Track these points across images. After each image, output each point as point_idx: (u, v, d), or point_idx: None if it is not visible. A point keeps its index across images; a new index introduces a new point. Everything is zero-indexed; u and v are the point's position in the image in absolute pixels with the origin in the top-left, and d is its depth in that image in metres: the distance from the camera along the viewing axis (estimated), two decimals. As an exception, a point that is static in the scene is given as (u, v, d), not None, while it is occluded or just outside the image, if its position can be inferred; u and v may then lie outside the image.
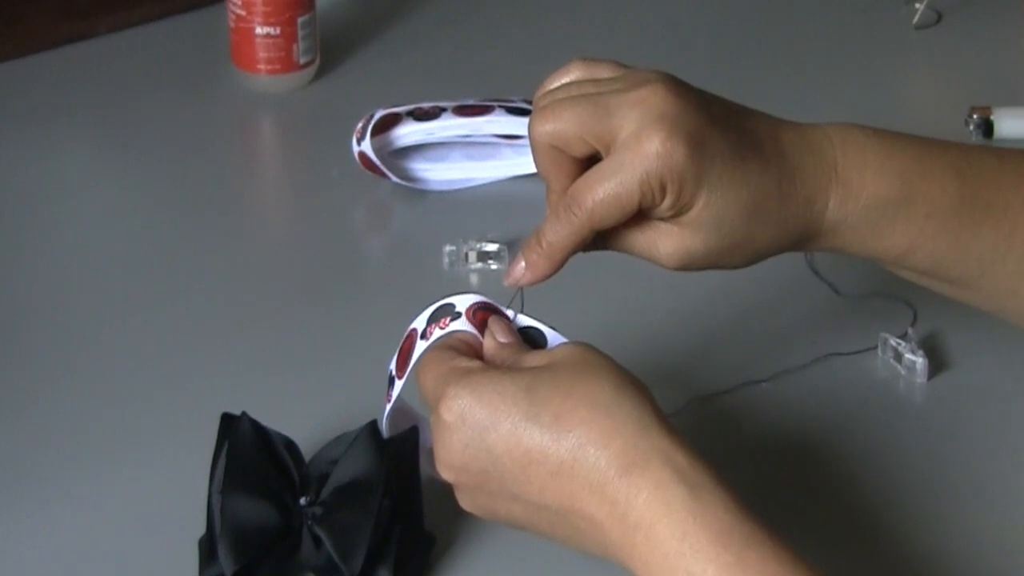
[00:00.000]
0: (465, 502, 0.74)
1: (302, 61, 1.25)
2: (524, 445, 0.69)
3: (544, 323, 0.77)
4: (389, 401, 0.79)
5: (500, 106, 1.12)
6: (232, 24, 1.24)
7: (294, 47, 1.24)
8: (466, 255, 1.05)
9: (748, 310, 1.01)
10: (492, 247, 1.05)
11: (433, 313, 0.78)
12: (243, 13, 1.23)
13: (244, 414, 0.82)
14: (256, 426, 0.81)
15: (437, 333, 0.77)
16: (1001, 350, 0.96)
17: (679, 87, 0.75)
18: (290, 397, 0.92)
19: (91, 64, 1.30)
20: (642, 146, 0.73)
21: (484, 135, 1.12)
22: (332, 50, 1.30)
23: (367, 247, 1.15)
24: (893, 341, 0.96)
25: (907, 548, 0.83)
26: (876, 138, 0.79)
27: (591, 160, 0.76)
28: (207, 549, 0.79)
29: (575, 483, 0.68)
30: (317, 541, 0.79)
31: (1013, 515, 0.86)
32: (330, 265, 1.08)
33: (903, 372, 0.95)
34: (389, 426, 0.81)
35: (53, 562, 0.82)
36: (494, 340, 0.75)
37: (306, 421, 0.87)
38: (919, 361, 0.94)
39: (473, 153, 1.15)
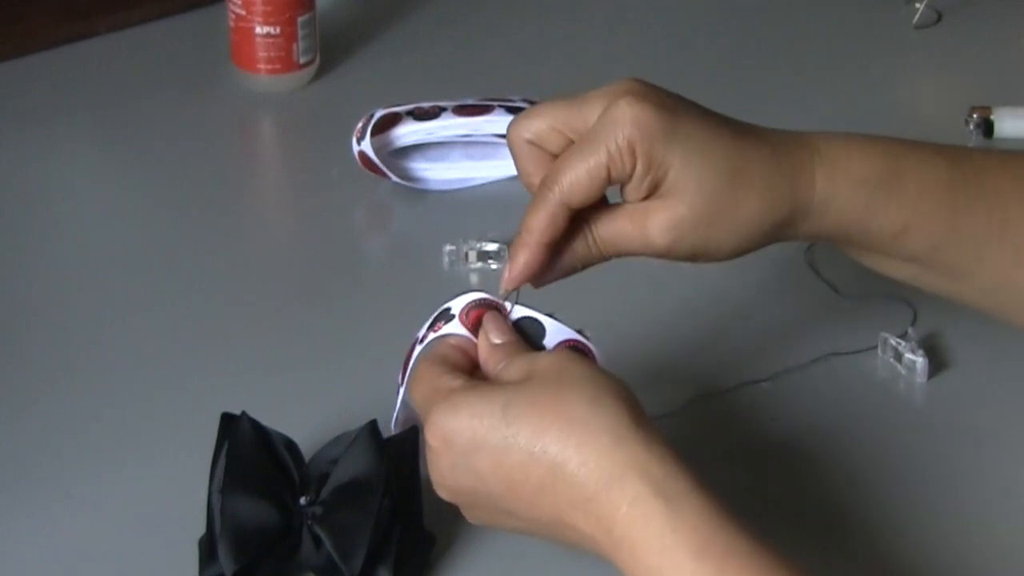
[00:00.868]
0: (468, 516, 0.75)
1: (302, 61, 1.25)
2: (506, 466, 0.70)
3: (541, 311, 0.76)
4: (396, 408, 0.80)
5: (500, 106, 1.12)
6: (232, 24, 1.24)
7: (294, 47, 1.24)
8: (466, 255, 1.05)
9: (748, 310, 1.01)
10: (492, 247, 1.05)
11: (433, 319, 0.78)
12: (243, 13, 1.23)
13: (244, 414, 0.82)
14: (256, 426, 0.81)
15: (430, 337, 0.77)
16: (1001, 350, 0.96)
17: (647, 82, 0.76)
18: (290, 397, 0.92)
19: (91, 64, 1.30)
20: (608, 115, 0.74)
21: (484, 135, 1.12)
22: (332, 50, 1.30)
23: (367, 247, 1.15)
24: (893, 341, 0.96)
25: (907, 547, 0.83)
26: (855, 134, 0.79)
27: None
28: (207, 549, 0.79)
29: (560, 500, 0.69)
30: (317, 541, 0.79)
31: (1013, 515, 0.86)
32: (330, 265, 1.08)
33: (903, 372, 0.95)
34: (398, 430, 0.81)
35: (53, 562, 0.82)
36: (487, 342, 0.75)
37: (306, 421, 0.87)
38: (919, 361, 0.94)
39: (473, 153, 1.15)
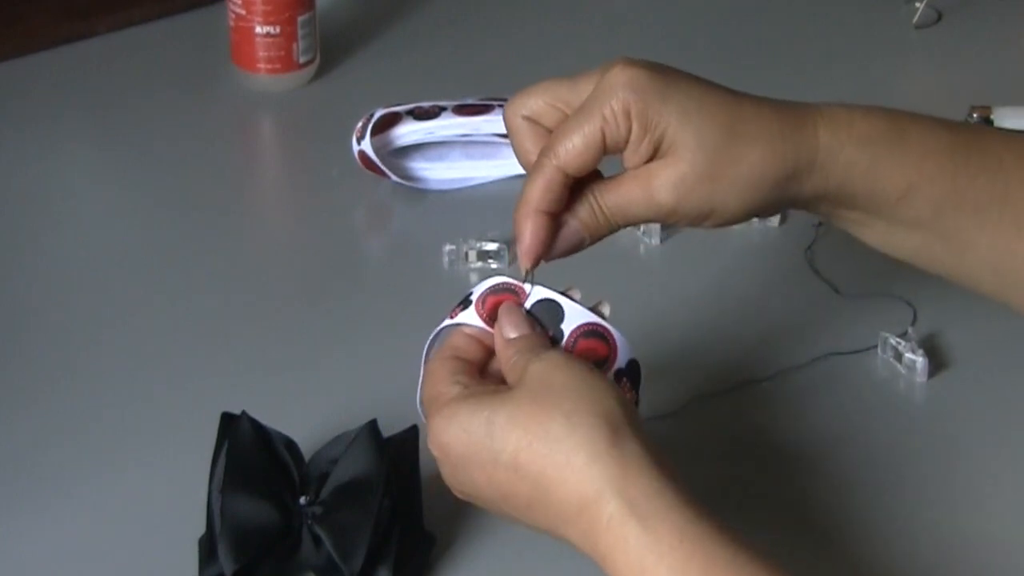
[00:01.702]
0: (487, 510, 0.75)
1: (302, 60, 1.25)
2: (496, 481, 0.70)
3: (560, 291, 0.76)
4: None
5: (500, 105, 1.12)
6: (232, 23, 1.24)
7: (294, 46, 1.24)
8: (466, 254, 1.05)
9: (748, 310, 1.01)
10: (492, 246, 1.05)
11: (457, 303, 0.77)
12: (243, 12, 1.23)
13: (244, 413, 0.82)
14: (256, 425, 0.81)
15: (446, 322, 0.77)
16: (1001, 350, 0.96)
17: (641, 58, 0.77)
18: (290, 397, 0.92)
19: (91, 64, 1.30)
20: (602, 83, 0.75)
21: (484, 134, 1.13)
22: (332, 50, 1.30)
23: (367, 247, 1.15)
24: (893, 340, 0.96)
25: (907, 547, 0.83)
26: (855, 104, 0.79)
27: None
28: (207, 549, 0.79)
29: (548, 515, 0.69)
30: (317, 540, 0.79)
31: (1013, 514, 0.86)
32: (330, 265, 1.08)
33: (903, 371, 0.95)
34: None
35: (53, 562, 0.82)
36: (502, 337, 0.75)
37: (306, 421, 0.87)
38: (919, 360, 0.94)
39: (473, 152, 1.15)
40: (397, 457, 0.82)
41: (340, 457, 0.80)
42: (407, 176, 1.13)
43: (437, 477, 0.75)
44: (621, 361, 0.75)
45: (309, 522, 0.79)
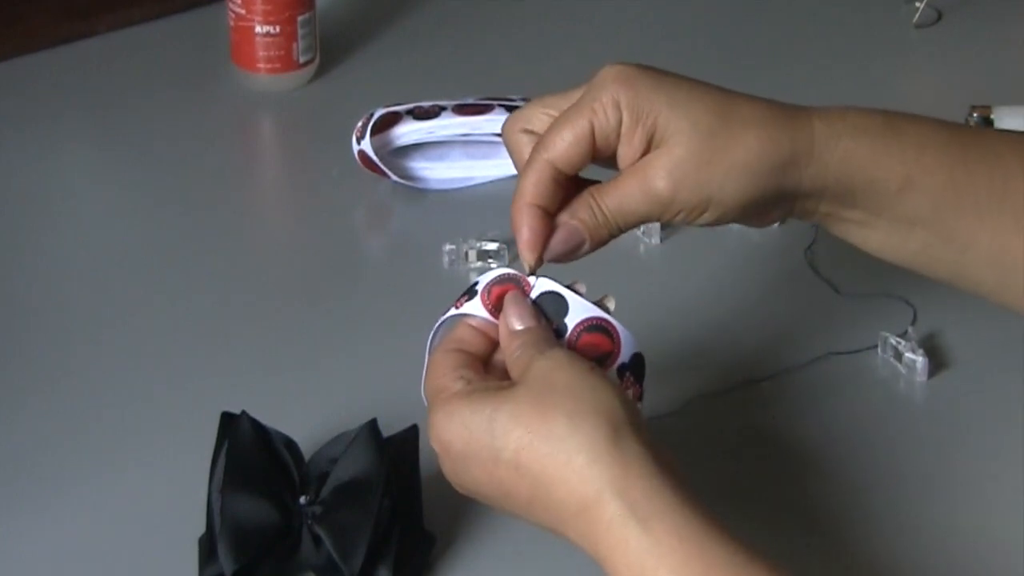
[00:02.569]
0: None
1: (302, 60, 1.25)
2: (497, 478, 0.70)
3: (565, 285, 0.76)
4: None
5: (500, 105, 1.12)
6: (232, 23, 1.24)
7: (294, 46, 1.24)
8: (466, 254, 1.05)
9: (748, 310, 1.01)
10: (492, 246, 1.05)
11: (463, 292, 0.77)
12: (243, 12, 1.23)
13: (244, 413, 0.82)
14: (256, 425, 0.81)
15: (451, 312, 0.77)
16: (1001, 350, 0.96)
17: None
18: (290, 397, 0.92)
19: (91, 64, 1.30)
20: (593, 80, 0.76)
21: (484, 134, 1.12)
22: (332, 49, 1.30)
23: (367, 246, 1.15)
24: (893, 340, 0.96)
25: (907, 546, 0.83)
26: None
27: None
28: (207, 548, 0.79)
29: (549, 513, 0.69)
30: (317, 540, 0.79)
31: (1012, 514, 0.86)
32: (330, 265, 1.08)
33: (903, 371, 0.95)
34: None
35: (53, 562, 0.82)
36: (507, 328, 0.75)
37: (306, 421, 0.87)
38: (919, 360, 0.94)
39: (473, 152, 1.15)
40: (397, 457, 0.82)
41: (340, 457, 0.80)
42: (407, 176, 1.13)
43: (437, 477, 0.75)
44: (625, 356, 0.75)
45: (309, 522, 0.79)
